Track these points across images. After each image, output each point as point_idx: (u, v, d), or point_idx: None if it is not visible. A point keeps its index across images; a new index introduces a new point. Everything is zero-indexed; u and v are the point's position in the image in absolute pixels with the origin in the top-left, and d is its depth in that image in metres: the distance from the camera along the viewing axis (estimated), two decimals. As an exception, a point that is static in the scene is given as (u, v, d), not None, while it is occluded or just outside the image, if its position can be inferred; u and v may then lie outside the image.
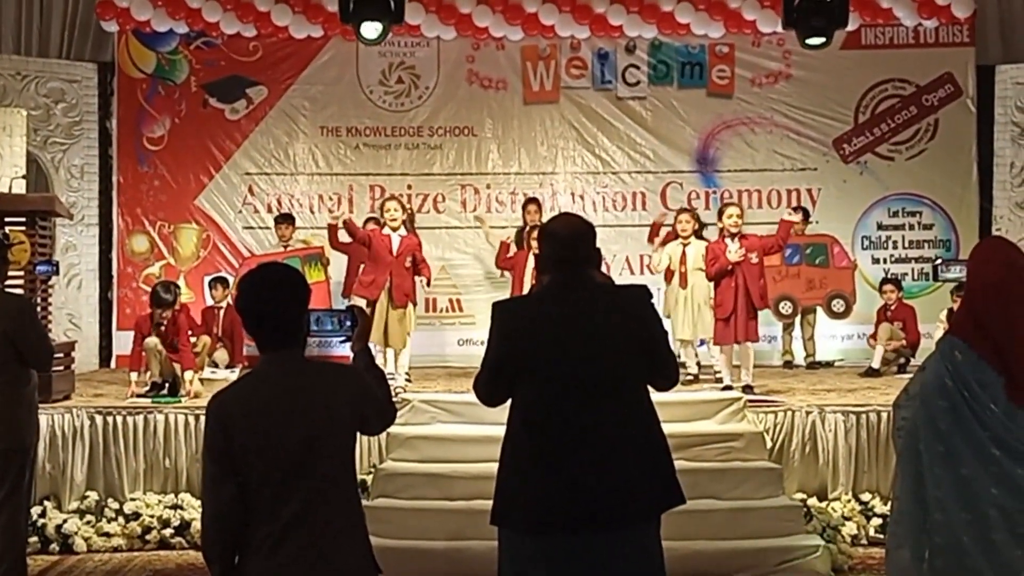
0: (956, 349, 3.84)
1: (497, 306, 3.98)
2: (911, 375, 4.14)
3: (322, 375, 3.42)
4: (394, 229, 9.33)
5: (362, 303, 9.14)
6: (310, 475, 3.25)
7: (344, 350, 3.81)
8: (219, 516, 3.26)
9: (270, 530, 3.23)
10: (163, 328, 8.91)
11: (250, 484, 3.23)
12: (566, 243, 3.91)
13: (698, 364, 10.03)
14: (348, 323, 3.66)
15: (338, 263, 10.91)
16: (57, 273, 9.31)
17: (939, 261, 9.12)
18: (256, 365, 3.47)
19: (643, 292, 3.96)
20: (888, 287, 10.96)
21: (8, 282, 6.39)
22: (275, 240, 11.45)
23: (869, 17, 11.57)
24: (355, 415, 3.40)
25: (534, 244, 9.42)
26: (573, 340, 3.76)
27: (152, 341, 8.84)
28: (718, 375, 9.60)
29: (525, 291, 9.50)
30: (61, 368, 8.64)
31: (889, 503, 4.94)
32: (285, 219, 11.20)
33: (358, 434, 3.48)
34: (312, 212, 11.92)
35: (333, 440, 3.33)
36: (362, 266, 9.85)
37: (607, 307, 3.88)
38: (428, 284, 9.88)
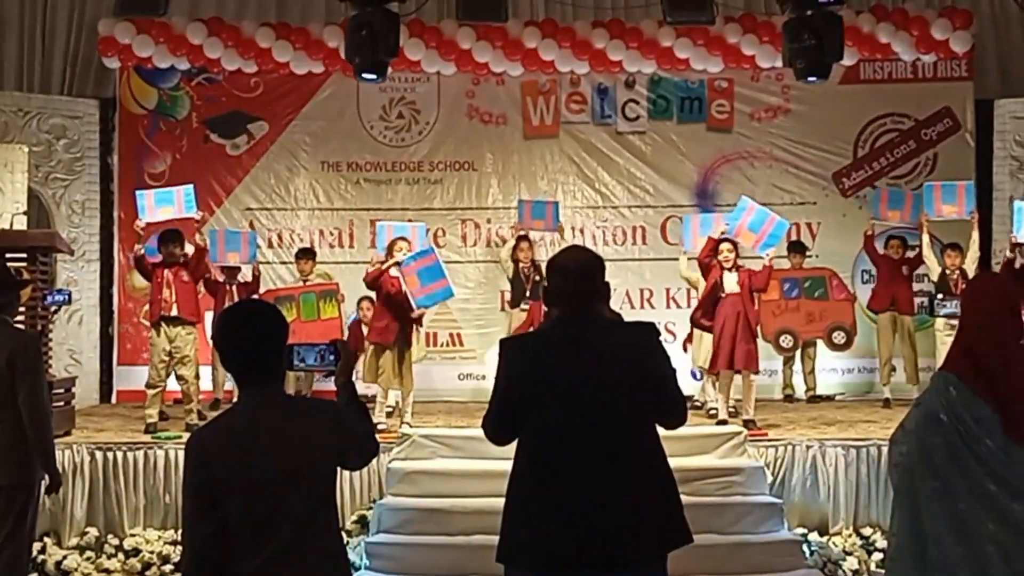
0: (950, 384, 3.85)
1: (504, 343, 3.96)
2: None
3: (301, 410, 3.44)
4: (402, 269, 9.26)
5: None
6: (291, 510, 3.24)
7: (330, 384, 3.80)
8: (200, 554, 3.25)
9: (253, 566, 3.22)
10: (186, 264, 9.30)
11: (231, 520, 3.22)
12: (574, 277, 3.87)
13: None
14: (331, 357, 3.67)
15: (353, 300, 10.77)
16: (69, 302, 9.25)
17: (937, 296, 9.09)
18: (236, 401, 3.47)
19: (651, 329, 3.92)
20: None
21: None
22: (275, 275, 11.42)
23: (868, 52, 11.59)
24: (334, 450, 3.41)
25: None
26: (580, 377, 3.73)
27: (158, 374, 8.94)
28: (711, 411, 9.55)
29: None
30: (62, 404, 8.64)
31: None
32: (305, 253, 10.87)
33: (339, 469, 3.49)
34: (313, 247, 11.87)
35: (313, 475, 3.33)
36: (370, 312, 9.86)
37: (615, 344, 3.84)
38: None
